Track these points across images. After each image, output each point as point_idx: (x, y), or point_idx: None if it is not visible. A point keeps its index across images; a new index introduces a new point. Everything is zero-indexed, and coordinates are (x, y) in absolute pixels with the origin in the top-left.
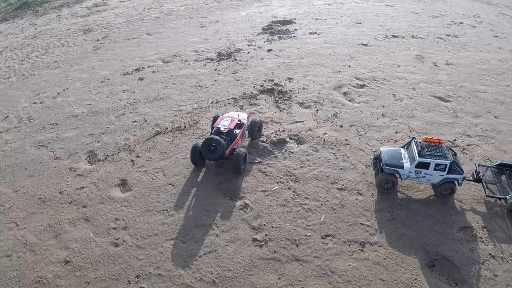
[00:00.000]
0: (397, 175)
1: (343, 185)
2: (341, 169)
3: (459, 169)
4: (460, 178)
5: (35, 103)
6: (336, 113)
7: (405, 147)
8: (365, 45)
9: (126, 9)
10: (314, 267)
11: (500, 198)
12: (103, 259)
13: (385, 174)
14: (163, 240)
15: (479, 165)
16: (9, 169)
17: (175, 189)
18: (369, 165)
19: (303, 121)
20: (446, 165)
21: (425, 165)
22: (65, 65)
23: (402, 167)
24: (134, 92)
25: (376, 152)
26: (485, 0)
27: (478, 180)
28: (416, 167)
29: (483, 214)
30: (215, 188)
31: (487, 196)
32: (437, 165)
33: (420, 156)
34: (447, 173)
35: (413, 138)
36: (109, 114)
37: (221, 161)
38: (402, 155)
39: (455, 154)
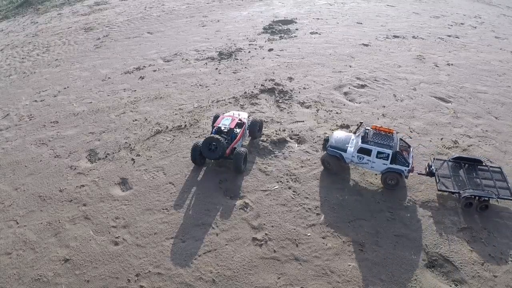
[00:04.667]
0: (340, 158)
1: (343, 185)
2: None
3: (404, 160)
4: (405, 170)
5: (35, 101)
6: (337, 113)
7: (356, 133)
8: (366, 45)
9: (127, 7)
10: (313, 266)
11: (453, 193)
12: (103, 258)
13: (327, 155)
14: (163, 239)
15: (434, 158)
16: (10, 167)
17: (175, 188)
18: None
19: (303, 121)
20: (388, 154)
21: (367, 152)
22: (66, 64)
23: (345, 150)
24: (134, 90)
25: (327, 134)
26: (486, 1)
27: (430, 174)
28: (358, 152)
29: (483, 215)
30: (215, 187)
31: (438, 190)
32: (379, 153)
33: (362, 142)
34: (390, 163)
35: (361, 123)
36: (109, 113)
37: (221, 160)
38: (351, 141)
39: (408, 146)
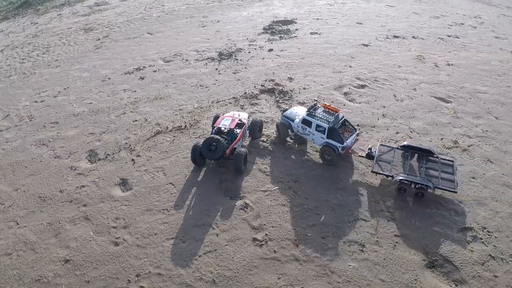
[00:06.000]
0: (289, 126)
1: (343, 185)
2: (342, 169)
3: (339, 138)
4: (339, 147)
5: (35, 101)
6: None
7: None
8: (366, 45)
9: (127, 8)
10: (314, 267)
11: (387, 176)
12: (103, 258)
13: (280, 122)
14: (163, 240)
15: (380, 144)
16: (10, 167)
17: (176, 188)
18: (369, 165)
19: None
20: (324, 128)
21: (309, 123)
22: (66, 64)
23: (293, 120)
24: (135, 91)
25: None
26: (486, 1)
27: (369, 156)
28: (302, 123)
29: (483, 215)
30: (215, 187)
31: (371, 171)
32: (317, 126)
33: (307, 114)
34: (327, 138)
35: (316, 101)
36: (109, 113)
37: (221, 161)
38: (302, 114)
39: (354, 130)
